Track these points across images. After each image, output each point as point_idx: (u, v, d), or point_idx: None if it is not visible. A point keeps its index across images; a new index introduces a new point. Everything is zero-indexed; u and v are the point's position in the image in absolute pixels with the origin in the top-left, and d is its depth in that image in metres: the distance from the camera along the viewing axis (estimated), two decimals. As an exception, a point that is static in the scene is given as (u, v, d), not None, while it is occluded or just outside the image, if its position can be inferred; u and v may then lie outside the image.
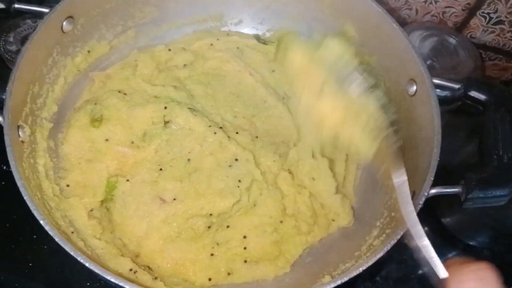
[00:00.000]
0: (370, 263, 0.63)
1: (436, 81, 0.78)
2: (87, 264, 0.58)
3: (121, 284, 0.57)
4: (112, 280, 0.57)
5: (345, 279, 0.62)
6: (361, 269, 0.63)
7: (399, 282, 0.97)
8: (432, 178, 0.69)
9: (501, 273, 0.97)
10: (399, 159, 0.66)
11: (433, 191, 0.69)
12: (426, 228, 1.02)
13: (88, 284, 0.85)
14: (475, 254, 1.00)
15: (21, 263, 0.86)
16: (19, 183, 0.62)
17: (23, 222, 0.90)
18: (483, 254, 1.00)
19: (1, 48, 0.97)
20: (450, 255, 1.01)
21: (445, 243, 1.01)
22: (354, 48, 0.70)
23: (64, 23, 0.80)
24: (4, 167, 0.95)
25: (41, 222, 0.60)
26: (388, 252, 0.97)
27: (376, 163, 0.80)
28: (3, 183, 0.94)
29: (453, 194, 0.70)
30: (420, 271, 0.98)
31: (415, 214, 0.62)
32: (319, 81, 0.68)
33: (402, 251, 0.99)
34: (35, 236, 0.88)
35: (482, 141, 0.71)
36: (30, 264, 0.86)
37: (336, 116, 0.68)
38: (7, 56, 0.98)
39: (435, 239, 1.01)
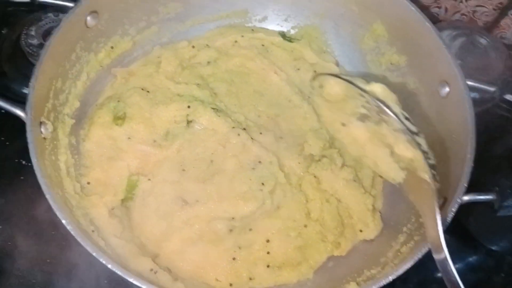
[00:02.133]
0: (400, 272, 0.61)
1: (470, 83, 0.75)
2: (109, 266, 0.57)
3: (142, 286, 0.56)
4: (134, 281, 0.56)
5: (373, 287, 0.59)
6: (390, 278, 0.61)
7: (419, 285, 0.94)
8: (465, 185, 0.66)
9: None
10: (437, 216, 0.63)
11: (466, 198, 0.66)
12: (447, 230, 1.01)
13: (106, 282, 0.84)
14: (497, 259, 0.97)
15: (40, 259, 0.85)
16: (40, 180, 0.61)
17: (41, 217, 0.89)
18: (505, 260, 0.97)
19: (23, 42, 0.97)
20: (470, 259, 0.98)
21: (466, 247, 0.98)
22: (396, 95, 0.68)
23: (88, 18, 0.79)
24: (24, 162, 0.95)
25: (63, 221, 0.59)
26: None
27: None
28: (22, 178, 0.93)
29: (487, 201, 0.66)
30: (439, 274, 0.96)
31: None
32: (352, 112, 0.68)
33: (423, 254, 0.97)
34: (53, 232, 0.88)
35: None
36: (48, 261, 0.86)
37: (363, 140, 0.69)
38: (28, 50, 0.98)
39: (456, 243, 0.99)
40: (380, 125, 0.67)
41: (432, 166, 0.64)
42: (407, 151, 0.66)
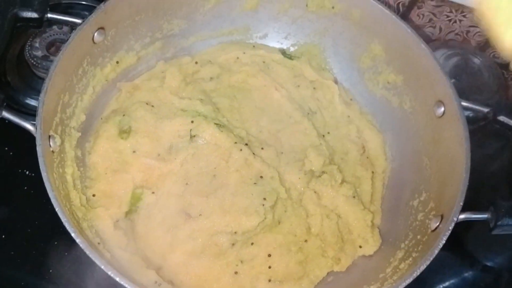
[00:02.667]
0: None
1: (464, 103, 0.78)
2: (117, 279, 0.58)
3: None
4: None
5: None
6: (390, 294, 0.62)
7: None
8: (461, 203, 0.68)
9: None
10: None
11: (462, 216, 0.68)
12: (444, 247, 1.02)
13: (104, 290, 0.85)
14: (493, 275, 0.99)
15: (41, 268, 0.86)
16: (50, 194, 0.63)
17: (44, 227, 0.90)
18: (502, 276, 0.99)
19: (27, 53, 0.98)
20: (467, 275, 1.00)
21: (462, 263, 1.00)
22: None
23: (96, 34, 0.80)
24: (27, 172, 0.95)
25: (73, 234, 0.60)
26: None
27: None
28: (25, 188, 0.94)
29: (482, 220, 0.69)
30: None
31: None
32: None
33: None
34: (56, 242, 0.88)
35: (512, 166, 0.70)
36: (51, 270, 0.86)
37: None
38: (32, 61, 0.99)
39: (453, 258, 1.01)
40: None
41: None
42: None
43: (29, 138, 0.71)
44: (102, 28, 0.81)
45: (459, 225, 1.01)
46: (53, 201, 0.62)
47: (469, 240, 1.02)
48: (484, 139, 1.02)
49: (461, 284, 0.98)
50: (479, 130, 1.00)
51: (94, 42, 0.81)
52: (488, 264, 1.00)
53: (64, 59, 0.74)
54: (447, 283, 0.98)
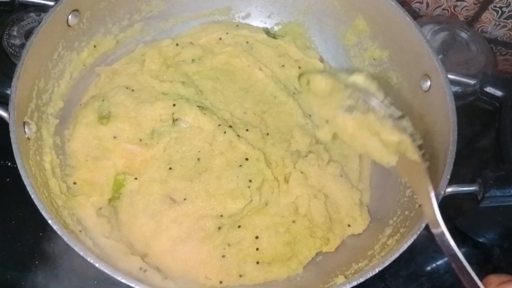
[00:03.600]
0: (387, 263, 0.62)
1: (450, 76, 0.76)
2: (97, 265, 0.57)
3: (131, 284, 0.56)
4: (123, 280, 0.56)
5: (361, 280, 0.60)
6: (377, 270, 0.61)
7: (408, 279, 0.96)
8: (448, 177, 0.67)
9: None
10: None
11: (449, 189, 0.67)
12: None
13: (96, 282, 0.84)
14: (484, 251, 0.99)
15: (27, 261, 0.85)
16: (26, 181, 0.61)
17: (29, 219, 0.89)
18: (493, 252, 0.99)
19: (5, 42, 0.95)
20: (459, 252, 1.00)
21: (454, 240, 1.00)
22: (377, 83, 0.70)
23: (70, 16, 0.78)
24: (9, 164, 0.93)
25: (50, 221, 0.59)
26: (399, 250, 0.97)
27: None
28: (7, 179, 0.92)
29: (469, 192, 0.68)
30: (429, 268, 0.97)
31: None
32: (341, 102, 0.70)
33: (411, 248, 0.98)
34: (41, 234, 0.87)
35: (499, 138, 0.70)
36: (37, 262, 0.85)
37: (352, 130, 0.71)
38: (11, 50, 0.96)
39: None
40: (367, 114, 0.68)
41: (419, 147, 0.66)
42: (393, 136, 0.67)
43: (8, 129, 0.69)
44: (76, 10, 0.78)
45: (449, 202, 1.01)
46: (28, 188, 0.60)
47: (459, 217, 1.01)
48: (474, 115, 1.01)
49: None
50: (469, 106, 0.99)
51: (68, 25, 0.78)
52: (480, 240, 1.00)
53: (37, 43, 0.71)
54: (439, 261, 0.98)
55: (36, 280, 0.83)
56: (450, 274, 0.97)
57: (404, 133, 0.66)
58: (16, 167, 0.92)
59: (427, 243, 0.99)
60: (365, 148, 0.71)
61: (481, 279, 0.89)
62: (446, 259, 0.98)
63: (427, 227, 1.01)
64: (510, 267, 0.97)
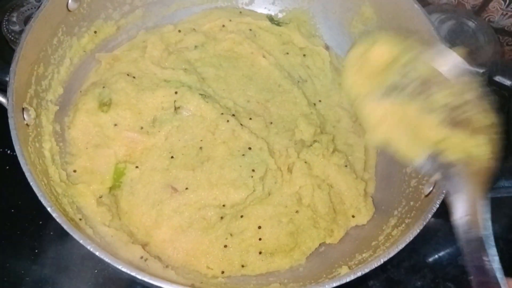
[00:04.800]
0: (392, 254, 0.60)
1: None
2: (97, 253, 0.56)
3: (132, 273, 0.55)
4: (123, 269, 0.55)
5: (366, 270, 0.59)
6: (382, 260, 0.60)
7: (411, 270, 0.95)
8: (455, 167, 0.65)
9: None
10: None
11: (457, 179, 0.65)
12: (438, 216, 1.01)
13: (96, 271, 0.83)
14: (489, 244, 0.98)
15: (27, 249, 0.84)
16: (24, 168, 0.60)
17: (28, 208, 0.88)
18: (496, 244, 0.98)
19: (4, 28, 0.94)
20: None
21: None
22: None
23: (69, 1, 0.76)
24: (9, 151, 0.92)
25: (49, 209, 0.57)
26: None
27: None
28: (7, 167, 0.91)
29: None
30: (431, 259, 0.97)
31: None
32: (383, 82, 0.63)
33: (413, 240, 0.97)
34: (41, 222, 0.86)
35: (509, 127, 0.68)
36: (36, 251, 0.84)
37: (386, 115, 0.64)
38: (10, 36, 0.95)
39: (447, 227, 1.00)
40: (413, 100, 0.61)
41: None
42: (438, 132, 0.60)
43: (6, 115, 0.68)
44: (76, -6, 0.77)
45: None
46: (27, 175, 0.59)
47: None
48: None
49: (455, 253, 0.97)
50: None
51: (68, 10, 0.77)
52: (484, 232, 0.99)
53: (36, 28, 0.70)
54: (441, 253, 0.97)
55: (35, 269, 0.82)
56: (453, 266, 0.96)
57: (460, 132, 0.58)
58: (16, 155, 0.92)
59: (432, 232, 0.99)
60: (388, 136, 0.63)
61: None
62: (448, 250, 0.98)
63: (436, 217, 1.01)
64: (516, 261, 0.97)
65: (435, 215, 1.01)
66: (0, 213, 0.86)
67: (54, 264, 0.83)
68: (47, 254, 0.84)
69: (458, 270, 0.95)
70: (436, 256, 0.97)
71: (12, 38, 0.94)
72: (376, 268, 0.93)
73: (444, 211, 0.98)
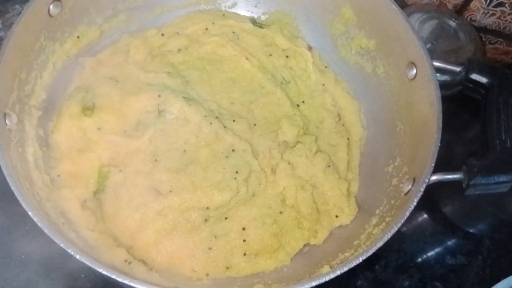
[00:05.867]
0: (370, 252, 0.61)
1: (436, 64, 0.76)
2: (77, 256, 0.56)
3: (113, 276, 0.56)
4: (104, 272, 0.56)
5: (345, 269, 0.60)
6: (360, 259, 0.61)
7: (398, 270, 0.96)
8: (433, 165, 0.67)
9: (504, 263, 0.97)
10: None
11: (434, 177, 0.67)
12: (425, 216, 1.02)
13: (83, 275, 0.84)
14: (475, 242, 0.99)
15: (14, 255, 0.84)
16: (5, 172, 0.60)
17: (14, 213, 0.88)
18: (483, 243, 1.00)
19: (-11, 34, 0.94)
20: (450, 243, 1.00)
21: (444, 231, 1.00)
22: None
23: (51, 6, 0.77)
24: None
25: (30, 213, 0.58)
26: (388, 241, 0.97)
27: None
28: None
29: (454, 180, 0.68)
30: (419, 259, 0.98)
31: None
32: None
33: (401, 240, 0.99)
34: (27, 228, 0.87)
35: (485, 125, 0.69)
36: (23, 256, 0.84)
37: None
38: (-5, 42, 0.95)
39: (434, 226, 1.01)
40: None
41: None
42: None
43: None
44: (57, 0, 0.77)
45: (440, 194, 1.01)
46: (8, 178, 0.59)
47: (450, 209, 1.02)
48: (460, 105, 1.01)
49: (443, 253, 0.99)
50: (455, 95, 0.99)
51: (50, 15, 0.77)
52: (470, 231, 1.01)
53: (18, 34, 0.70)
54: (430, 253, 0.99)
55: (24, 274, 0.83)
56: (440, 265, 0.97)
57: None
58: (-1, 162, 0.92)
59: (420, 232, 1.00)
60: None
61: (472, 272, 0.90)
62: (435, 250, 0.99)
63: (414, 217, 1.02)
64: (500, 259, 0.98)
65: (424, 218, 1.03)
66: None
67: (43, 269, 0.84)
68: (35, 259, 0.84)
69: (445, 270, 0.96)
70: (424, 255, 0.99)
71: (-3, 44, 0.95)
72: (364, 269, 0.95)
73: (429, 211, 1.01)
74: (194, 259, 0.74)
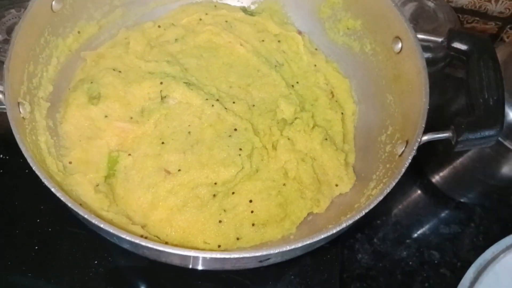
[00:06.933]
0: (372, 206, 0.65)
1: (420, 36, 0.81)
2: (101, 225, 0.59)
3: (136, 241, 0.59)
4: (128, 238, 0.59)
5: (349, 222, 0.64)
6: (363, 212, 0.65)
7: (396, 242, 1.00)
8: (423, 125, 0.71)
9: (495, 229, 1.01)
10: None
11: (425, 137, 0.71)
12: (418, 191, 1.07)
13: (96, 262, 0.86)
14: (467, 211, 1.04)
15: (26, 247, 0.87)
16: (26, 154, 0.63)
17: (24, 207, 0.90)
18: (475, 211, 1.05)
19: (-13, 38, 0.97)
20: (443, 214, 1.05)
21: (436, 202, 1.05)
22: None
23: (53, 2, 0.80)
24: (1, 156, 0.95)
25: (52, 189, 0.61)
26: (384, 215, 1.01)
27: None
28: (0, 171, 0.94)
29: (444, 138, 0.72)
30: (414, 230, 1.02)
31: None
32: None
33: (397, 214, 1.03)
34: (38, 220, 0.89)
35: (469, 88, 0.74)
36: (36, 247, 0.87)
37: None
38: (-7, 45, 0.98)
39: (427, 199, 1.06)
40: None
41: None
42: None
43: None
44: (59, -5, 0.81)
45: (429, 164, 1.06)
46: (29, 160, 0.62)
47: (440, 180, 1.07)
48: (444, 82, 1.06)
49: (437, 223, 1.04)
50: (439, 72, 1.05)
51: (53, 11, 0.80)
52: (462, 200, 1.05)
53: (24, 27, 0.73)
54: (425, 226, 1.04)
55: (37, 266, 0.85)
56: (435, 235, 1.02)
57: None
58: (9, 159, 0.94)
59: (411, 207, 1.05)
60: None
61: (466, 239, 0.93)
62: (430, 221, 1.04)
63: (407, 192, 1.06)
64: (491, 226, 1.03)
65: (416, 192, 1.07)
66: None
67: (55, 259, 0.86)
68: (47, 250, 0.86)
69: (440, 239, 1.01)
70: (419, 227, 1.03)
71: (-4, 48, 0.98)
72: (363, 242, 0.99)
73: (421, 184, 1.05)
74: (205, 232, 0.77)
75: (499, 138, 0.80)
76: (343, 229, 0.64)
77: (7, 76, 0.68)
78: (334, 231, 0.63)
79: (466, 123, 0.70)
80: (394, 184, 0.67)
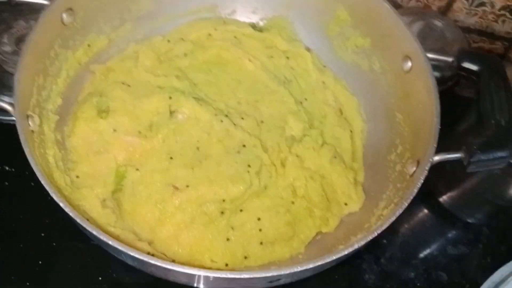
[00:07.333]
0: (384, 227, 0.65)
1: (429, 55, 0.81)
2: (110, 242, 0.58)
3: (142, 258, 0.58)
4: (135, 255, 0.58)
5: (362, 243, 0.63)
6: (376, 233, 0.64)
7: (403, 263, 0.98)
8: (435, 145, 0.71)
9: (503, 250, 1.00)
10: None
11: (437, 158, 0.71)
12: (425, 210, 1.06)
13: (100, 278, 0.85)
14: (474, 231, 1.03)
15: (30, 261, 0.85)
16: (35, 168, 0.62)
17: (29, 221, 0.89)
18: (482, 232, 1.03)
19: (-3, 50, 0.97)
20: (450, 234, 1.04)
21: (444, 222, 1.04)
22: None
23: (64, 15, 0.80)
24: (7, 168, 0.94)
25: (61, 204, 0.60)
26: (391, 234, 1.00)
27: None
28: (6, 183, 0.93)
29: (456, 159, 0.72)
30: (421, 251, 1.01)
31: None
32: None
33: (403, 234, 1.02)
34: (42, 234, 0.88)
35: (479, 109, 0.74)
36: (40, 262, 0.85)
37: None
38: (2, 57, 0.98)
39: (434, 219, 1.05)
40: None
41: None
42: None
43: (3, 131, 0.69)
44: (70, 9, 0.80)
45: (436, 184, 1.05)
46: (37, 173, 0.61)
47: (448, 200, 1.06)
48: (453, 101, 1.06)
49: (445, 244, 1.02)
50: (447, 91, 1.05)
51: (63, 24, 0.80)
52: (469, 221, 1.04)
53: (35, 39, 0.73)
54: (432, 246, 1.02)
55: (40, 281, 0.83)
56: (443, 255, 1.00)
57: None
58: (14, 171, 0.93)
59: (421, 226, 1.03)
60: None
61: (473, 260, 0.92)
62: (437, 241, 1.03)
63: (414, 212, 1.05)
64: (499, 246, 1.02)
65: (424, 211, 1.06)
66: (1, 228, 0.88)
67: (59, 275, 0.84)
68: (51, 265, 0.85)
69: (448, 259, 0.99)
70: (426, 247, 1.02)
71: (4, 59, 0.98)
72: (370, 262, 0.98)
73: (429, 204, 1.05)
74: (213, 250, 0.76)
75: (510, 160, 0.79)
76: (355, 250, 0.63)
77: (17, 88, 0.67)
78: (347, 252, 0.62)
79: (478, 143, 0.70)
80: (406, 205, 0.66)
